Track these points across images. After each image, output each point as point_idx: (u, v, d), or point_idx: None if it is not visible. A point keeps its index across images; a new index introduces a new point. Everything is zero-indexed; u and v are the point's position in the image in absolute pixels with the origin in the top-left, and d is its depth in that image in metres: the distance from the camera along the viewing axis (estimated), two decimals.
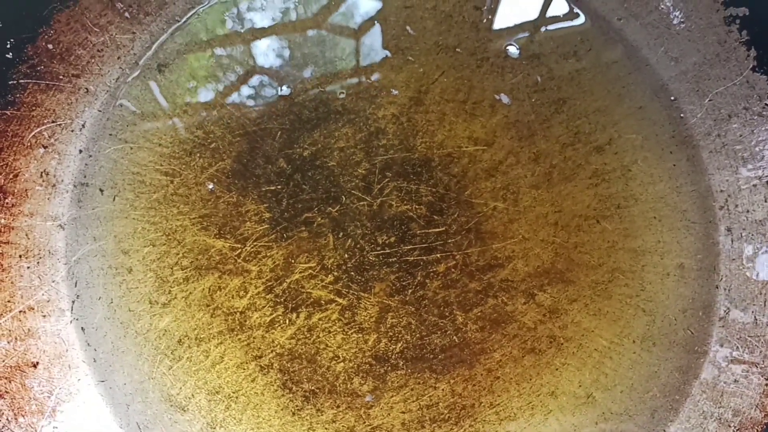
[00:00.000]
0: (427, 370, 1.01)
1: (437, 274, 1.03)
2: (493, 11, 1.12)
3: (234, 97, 1.09)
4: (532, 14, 1.13)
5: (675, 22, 1.07)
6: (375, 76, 1.10)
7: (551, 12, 1.12)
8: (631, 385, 1.00)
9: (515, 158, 1.07)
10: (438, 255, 1.04)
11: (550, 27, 1.11)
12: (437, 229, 1.04)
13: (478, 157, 1.07)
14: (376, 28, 1.12)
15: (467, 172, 1.06)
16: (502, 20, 1.12)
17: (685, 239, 1.04)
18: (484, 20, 1.12)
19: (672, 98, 1.07)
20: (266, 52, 1.12)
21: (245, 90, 1.09)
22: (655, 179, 1.05)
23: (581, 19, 1.12)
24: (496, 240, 1.04)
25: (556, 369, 1.01)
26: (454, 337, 1.01)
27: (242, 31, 1.11)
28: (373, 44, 1.12)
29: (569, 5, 1.12)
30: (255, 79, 1.10)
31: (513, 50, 1.11)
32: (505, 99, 1.08)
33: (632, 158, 1.06)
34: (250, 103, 1.09)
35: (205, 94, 1.08)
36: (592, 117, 1.07)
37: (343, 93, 1.07)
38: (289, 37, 1.12)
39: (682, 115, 1.07)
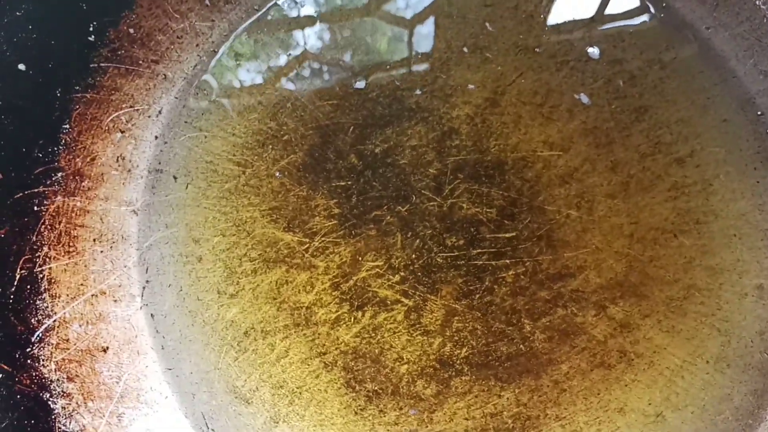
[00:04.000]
0: (493, 378, 0.99)
1: (506, 280, 1.01)
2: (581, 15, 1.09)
3: (307, 89, 1.08)
4: (614, 18, 1.10)
5: None
6: (451, 74, 1.08)
7: (631, 18, 1.09)
8: (703, 406, 0.98)
9: (591, 166, 1.04)
10: (507, 261, 1.02)
11: (629, 26, 1.07)
12: (508, 234, 1.02)
13: (553, 163, 1.04)
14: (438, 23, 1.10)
15: (541, 178, 1.04)
16: (580, 20, 1.09)
17: (766, 259, 1.00)
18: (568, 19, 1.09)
19: (759, 113, 1.04)
20: (341, 45, 1.10)
21: (318, 82, 1.08)
22: (737, 195, 1.02)
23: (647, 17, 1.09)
24: (568, 249, 1.02)
25: (626, 385, 0.98)
26: (521, 346, 0.99)
27: (318, 23, 1.10)
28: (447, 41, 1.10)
29: (650, 8, 1.09)
30: (327, 72, 1.09)
31: (594, 53, 1.08)
32: (584, 99, 1.05)
33: (714, 172, 1.02)
34: (325, 95, 1.08)
35: (280, 85, 1.07)
36: (674, 127, 1.04)
37: (419, 90, 1.05)
38: (366, 31, 1.10)
39: None
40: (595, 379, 0.98)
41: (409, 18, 1.11)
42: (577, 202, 1.03)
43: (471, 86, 1.05)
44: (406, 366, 0.99)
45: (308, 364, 0.99)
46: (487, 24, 1.09)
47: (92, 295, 0.96)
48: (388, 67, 1.08)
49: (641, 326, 0.99)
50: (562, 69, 1.08)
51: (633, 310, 1.00)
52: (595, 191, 1.03)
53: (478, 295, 1.01)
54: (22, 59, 0.90)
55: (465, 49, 1.08)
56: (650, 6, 1.09)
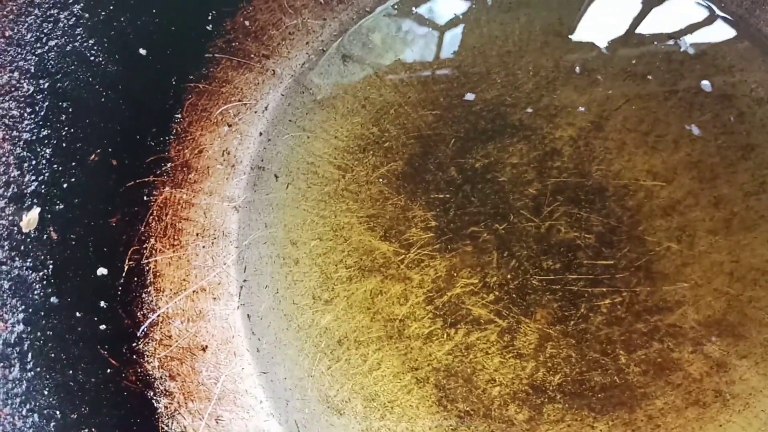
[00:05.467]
0: (586, 408, 0.97)
1: (601, 309, 0.99)
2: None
3: (412, 96, 1.06)
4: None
5: None
6: (557, 94, 1.06)
7: (746, 56, 1.08)
8: None
9: (694, 199, 1.02)
10: (604, 289, 1.00)
11: (742, 62, 1.06)
12: (605, 262, 1.01)
13: (656, 193, 1.03)
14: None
15: (642, 207, 1.02)
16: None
17: None
18: (681, 49, 1.07)
19: None
20: (451, 55, 1.08)
21: (423, 90, 1.06)
22: None
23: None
24: (666, 282, 1.00)
25: (720, 425, 0.97)
26: (616, 378, 0.98)
27: (428, 30, 1.08)
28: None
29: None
30: (434, 80, 1.07)
31: (707, 86, 1.06)
32: (696, 130, 1.04)
33: None
34: (428, 104, 1.06)
35: (385, 90, 1.05)
36: None
37: (530, 109, 1.03)
38: (476, 42, 1.08)
39: None
40: (689, 417, 0.97)
41: (519, 32, 1.09)
42: (678, 235, 1.01)
43: (581, 108, 1.04)
44: (498, 388, 0.98)
45: (400, 379, 0.97)
46: (599, 46, 1.07)
47: (193, 291, 0.93)
48: (495, 81, 1.06)
49: (738, 367, 0.98)
50: (670, 99, 1.06)
51: (730, 349, 0.98)
52: (697, 226, 1.02)
53: (573, 322, 0.99)
54: (144, 44, 0.87)
55: (577, 69, 1.06)
56: (764, 45, 1.08)
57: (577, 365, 0.98)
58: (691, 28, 1.11)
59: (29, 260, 0.74)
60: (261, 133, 1.02)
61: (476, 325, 0.99)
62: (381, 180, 1.02)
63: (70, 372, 0.76)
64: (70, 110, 0.80)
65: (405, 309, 0.99)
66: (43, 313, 0.75)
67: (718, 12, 1.09)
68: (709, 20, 1.10)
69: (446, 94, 1.06)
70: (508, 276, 1.01)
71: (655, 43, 1.08)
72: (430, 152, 1.04)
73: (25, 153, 0.75)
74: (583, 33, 1.09)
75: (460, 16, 1.09)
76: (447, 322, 0.99)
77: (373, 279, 1.00)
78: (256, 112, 1.01)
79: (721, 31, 1.11)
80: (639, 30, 1.10)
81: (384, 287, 0.99)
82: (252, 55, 0.98)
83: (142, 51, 0.88)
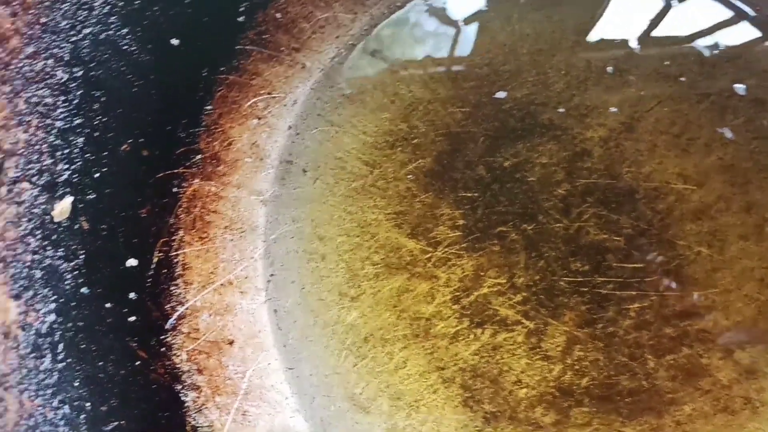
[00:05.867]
0: (613, 412, 0.96)
1: (630, 312, 0.98)
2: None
3: (441, 93, 1.04)
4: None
5: None
6: (589, 94, 1.05)
7: None
8: None
9: (726, 204, 1.01)
10: (633, 292, 0.99)
11: None
12: (634, 265, 1.00)
13: (687, 197, 1.01)
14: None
15: (673, 211, 1.01)
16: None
17: None
18: (714, 51, 1.06)
19: None
20: (482, 51, 1.07)
21: (453, 87, 1.05)
22: None
23: None
24: (696, 287, 0.99)
25: None
26: (644, 382, 0.97)
27: (459, 26, 1.07)
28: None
29: None
30: (464, 77, 1.05)
31: (740, 89, 1.05)
32: (728, 134, 1.02)
33: None
34: (458, 102, 1.05)
35: (414, 86, 1.04)
36: None
37: (562, 108, 1.02)
38: (507, 39, 1.07)
39: None
40: (718, 423, 0.95)
41: (551, 31, 1.08)
42: (708, 239, 1.00)
43: (613, 109, 1.02)
44: (525, 390, 0.97)
45: (426, 378, 0.96)
46: (632, 46, 1.06)
47: (221, 285, 0.92)
48: (526, 79, 1.05)
49: (767, 374, 0.97)
50: (702, 102, 1.05)
51: (760, 356, 0.97)
52: (728, 231, 1.00)
53: (601, 325, 0.98)
54: (176, 34, 0.86)
55: (609, 69, 1.05)
56: None
57: (605, 369, 0.97)
58: (725, 31, 1.09)
59: (61, 250, 0.74)
60: (290, 127, 1.01)
61: (503, 325, 0.98)
62: (409, 177, 1.01)
63: (100, 363, 0.75)
64: (103, 99, 0.79)
65: (431, 308, 0.98)
66: (74, 304, 0.74)
67: (752, 14, 1.08)
68: (743, 23, 1.09)
69: (476, 92, 1.05)
70: (536, 277, 1.00)
71: (688, 44, 1.07)
72: (458, 150, 1.03)
73: (58, 141, 0.74)
74: (614, 32, 1.08)
75: (491, 13, 1.08)
76: (474, 322, 0.98)
77: (400, 277, 0.99)
78: (285, 106, 1.00)
79: (755, 34, 1.09)
80: (671, 31, 1.08)
81: (411, 285, 0.99)
82: (282, 48, 0.97)
83: (174, 41, 0.87)
